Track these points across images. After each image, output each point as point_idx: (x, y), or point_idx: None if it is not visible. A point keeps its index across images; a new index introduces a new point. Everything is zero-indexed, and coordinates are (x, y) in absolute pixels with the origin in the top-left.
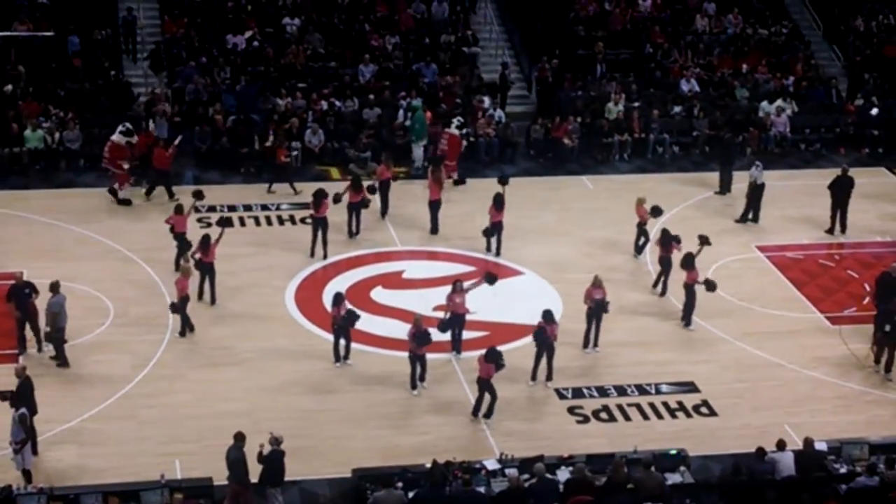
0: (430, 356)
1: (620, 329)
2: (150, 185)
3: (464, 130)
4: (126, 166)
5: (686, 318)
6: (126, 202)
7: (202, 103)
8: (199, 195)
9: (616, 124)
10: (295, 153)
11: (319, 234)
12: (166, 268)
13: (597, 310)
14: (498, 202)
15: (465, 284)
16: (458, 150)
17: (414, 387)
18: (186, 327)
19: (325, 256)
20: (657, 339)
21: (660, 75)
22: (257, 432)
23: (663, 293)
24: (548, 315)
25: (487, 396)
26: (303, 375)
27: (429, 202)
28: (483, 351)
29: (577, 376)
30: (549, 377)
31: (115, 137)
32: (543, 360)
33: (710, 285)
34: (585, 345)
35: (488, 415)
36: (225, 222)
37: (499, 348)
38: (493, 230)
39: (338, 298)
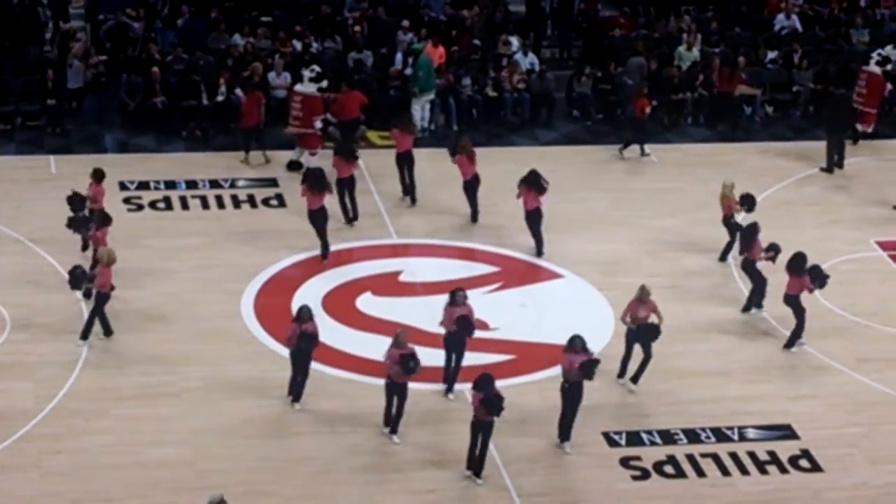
0: (421, 386)
1: (694, 353)
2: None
3: (888, 66)
4: (319, 124)
5: (790, 340)
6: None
7: (131, 42)
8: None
9: (689, 76)
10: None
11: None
12: (84, 261)
13: (643, 333)
14: (534, 181)
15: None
16: (881, 97)
17: (387, 423)
18: (104, 329)
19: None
20: (742, 367)
21: (746, 11)
22: (201, 488)
23: (747, 308)
24: (575, 343)
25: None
26: (265, 412)
27: (463, 184)
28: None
29: (632, 416)
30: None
31: (304, 88)
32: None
33: (821, 280)
34: (621, 374)
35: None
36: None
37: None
38: (535, 218)
39: (303, 314)
